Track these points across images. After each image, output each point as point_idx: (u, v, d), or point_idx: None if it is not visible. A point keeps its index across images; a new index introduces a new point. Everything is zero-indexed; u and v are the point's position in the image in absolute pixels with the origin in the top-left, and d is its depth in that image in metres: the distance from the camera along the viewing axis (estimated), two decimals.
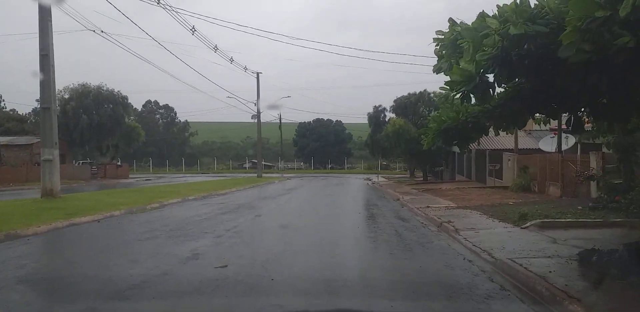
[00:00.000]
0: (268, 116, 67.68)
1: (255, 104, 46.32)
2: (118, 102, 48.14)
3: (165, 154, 76.95)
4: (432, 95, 40.31)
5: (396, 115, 39.89)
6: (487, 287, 5.80)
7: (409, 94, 40.81)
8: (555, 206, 13.60)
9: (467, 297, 5.39)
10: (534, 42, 5.64)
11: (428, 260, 7.59)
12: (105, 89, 47.98)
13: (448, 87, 6.73)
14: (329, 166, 71.54)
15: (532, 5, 5.53)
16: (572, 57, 5.17)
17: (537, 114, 8.42)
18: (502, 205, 15.37)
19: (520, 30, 5.01)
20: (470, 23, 6.32)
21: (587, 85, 6.08)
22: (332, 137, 74.23)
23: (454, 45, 7.21)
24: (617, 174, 15.11)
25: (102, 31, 21.94)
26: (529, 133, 32.51)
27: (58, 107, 46.91)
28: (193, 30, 29.55)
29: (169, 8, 29.78)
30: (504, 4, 5.72)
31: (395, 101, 41.05)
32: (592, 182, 16.58)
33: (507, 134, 9.95)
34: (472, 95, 6.69)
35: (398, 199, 19.57)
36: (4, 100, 58.19)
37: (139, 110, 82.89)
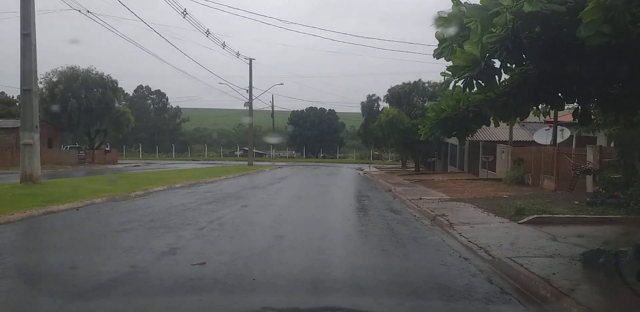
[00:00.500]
0: (261, 104, 67.01)
1: (247, 90, 45.55)
2: (108, 86, 47.15)
3: (156, 140, 75.99)
4: (426, 85, 39.85)
5: (390, 105, 39.32)
6: (487, 290, 5.35)
7: (403, 83, 40.19)
8: (552, 200, 13.21)
9: (465, 301, 4.94)
10: (548, 23, 5.13)
11: (422, 258, 7.14)
12: (94, 72, 46.99)
13: (450, 73, 6.22)
14: (321, 155, 71.03)
15: None
16: (589, 40, 4.67)
17: (539, 105, 7.92)
18: (496, 198, 14.98)
19: (536, 7, 4.48)
20: (475, 3, 5.81)
21: (603, 72, 5.60)
22: (325, 126, 73.56)
23: (457, 27, 6.68)
24: (614, 168, 14.73)
25: (88, 11, 21.06)
26: (523, 125, 32.05)
27: (46, 91, 46.13)
28: (184, 13, 28.77)
29: None
30: None
31: (389, 91, 40.42)
32: (588, 176, 16.25)
33: (507, 124, 9.43)
34: (475, 82, 6.21)
35: (390, 190, 19.13)
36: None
37: (130, 95, 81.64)
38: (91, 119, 46.19)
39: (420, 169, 39.21)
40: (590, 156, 16.31)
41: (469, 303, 4.87)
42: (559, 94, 6.67)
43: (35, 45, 16.26)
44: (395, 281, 5.68)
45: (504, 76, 6.78)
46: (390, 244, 8.00)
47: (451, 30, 6.87)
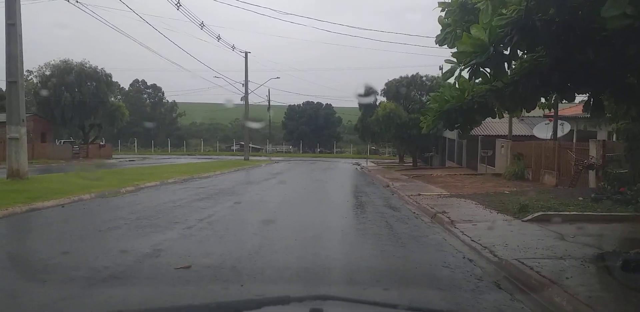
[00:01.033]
0: (257, 98, 66.22)
1: (243, 84, 44.94)
2: (102, 80, 46.45)
3: (152, 135, 75.31)
4: (424, 79, 39.32)
5: (387, 99, 38.79)
6: (496, 297, 4.91)
7: (400, 77, 39.61)
8: (554, 196, 12.75)
9: (474, 310, 4.48)
10: (563, 4, 4.67)
11: (424, 259, 6.67)
12: (88, 66, 46.26)
13: (455, 60, 5.74)
14: (318, 150, 70.50)
15: None
16: (612, 22, 4.21)
17: (548, 95, 7.46)
18: (497, 194, 14.54)
19: None
20: None
21: (620, 59, 5.14)
22: (322, 121, 72.99)
23: (462, 11, 6.21)
24: (618, 163, 14.33)
25: (77, 1, 20.44)
26: (522, 119, 31.58)
27: (39, 84, 45.47)
28: (178, 4, 28.11)
29: None
30: None
31: (386, 84, 39.85)
32: (590, 171, 15.83)
33: (514, 116, 8.95)
34: (482, 71, 5.74)
35: (388, 186, 18.68)
36: None
37: (126, 89, 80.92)
38: (85, 113, 45.54)
39: (418, 164, 38.77)
40: (593, 150, 15.88)
41: None
42: (571, 83, 6.22)
43: (20, 36, 15.69)
44: (396, 286, 5.22)
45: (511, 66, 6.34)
46: (390, 243, 7.54)
47: (455, 17, 6.42)
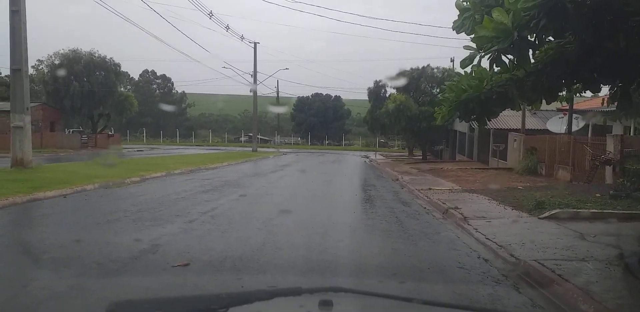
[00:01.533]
0: (266, 89, 65.72)
1: (252, 75, 44.53)
2: (110, 69, 46.25)
3: (162, 125, 75.27)
4: (435, 71, 38.68)
5: (397, 91, 38.22)
6: (516, 302, 4.54)
7: (411, 69, 38.95)
8: (570, 192, 12.30)
9: None
10: None
11: (437, 258, 6.30)
12: (97, 55, 46.04)
13: (474, 46, 5.33)
14: (327, 142, 70.08)
15: None
16: None
17: (574, 86, 7.01)
18: (510, 189, 14.13)
19: None
20: None
21: None
22: (331, 113, 72.45)
23: None
24: (637, 158, 13.84)
25: None
26: (534, 113, 30.98)
27: (48, 73, 45.35)
28: None
29: None
30: None
31: (396, 76, 39.29)
32: (607, 167, 15.34)
33: (532, 108, 8.47)
34: (504, 58, 5.32)
35: (397, 179, 18.29)
36: None
37: (136, 79, 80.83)
38: (94, 102, 45.38)
39: (428, 157, 38.29)
40: (611, 145, 15.36)
41: None
42: (599, 73, 5.78)
43: (25, 23, 15.40)
44: (408, 288, 4.87)
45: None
46: (400, 241, 7.18)
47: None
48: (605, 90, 7.37)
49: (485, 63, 5.46)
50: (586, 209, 9.62)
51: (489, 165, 26.23)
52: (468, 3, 5.93)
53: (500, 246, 6.90)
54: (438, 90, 37.21)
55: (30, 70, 45.83)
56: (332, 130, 72.06)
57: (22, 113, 15.64)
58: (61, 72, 43.53)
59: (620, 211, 9.41)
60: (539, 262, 5.77)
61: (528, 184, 15.54)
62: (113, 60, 46.65)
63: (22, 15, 15.31)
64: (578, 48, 5.20)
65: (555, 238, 7.38)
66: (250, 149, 44.06)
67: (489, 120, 6.91)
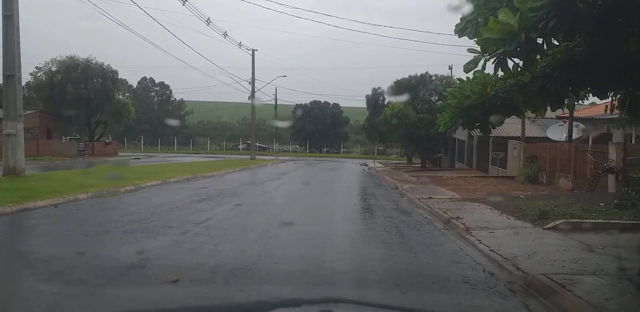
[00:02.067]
0: (264, 97, 65.45)
1: (250, 82, 44.35)
2: (108, 76, 46.04)
3: (160, 133, 75.01)
4: (433, 78, 38.54)
5: (396, 98, 38.06)
6: None
7: (409, 76, 38.83)
8: (574, 202, 12.01)
9: None
10: None
11: (440, 272, 6.00)
12: (94, 62, 45.87)
13: (479, 49, 5.09)
14: (325, 150, 69.83)
15: None
16: None
17: (580, 91, 6.75)
18: (512, 198, 13.83)
19: None
20: None
21: None
22: (329, 121, 72.32)
23: None
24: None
25: None
26: (534, 121, 30.84)
27: (45, 80, 45.07)
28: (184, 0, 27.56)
29: None
30: None
31: (395, 83, 39.15)
32: (610, 175, 15.08)
33: (536, 115, 8.14)
34: (508, 63, 5.08)
35: (396, 188, 18.00)
36: None
37: (134, 87, 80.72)
38: (91, 109, 45.12)
39: (427, 165, 38.04)
40: (613, 153, 15.13)
41: None
42: (609, 78, 5.53)
43: (18, 28, 15.16)
44: (411, 304, 4.57)
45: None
46: (402, 253, 6.89)
47: (478, 2, 5.76)
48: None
49: (490, 67, 5.23)
50: (591, 219, 9.34)
51: (489, 173, 25.98)
52: (473, 4, 5.69)
53: (505, 258, 6.61)
54: (437, 97, 37.10)
55: (28, 78, 45.77)
56: (331, 138, 71.89)
57: (15, 120, 15.36)
58: (57, 79, 43.30)
59: (627, 221, 9.12)
60: (547, 277, 5.49)
61: (529, 193, 15.27)
62: (110, 67, 46.51)
63: (15, 20, 15.08)
64: (587, 51, 4.96)
65: (562, 250, 7.09)
66: (249, 156, 43.77)
67: (493, 128, 6.66)
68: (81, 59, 45.49)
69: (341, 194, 16.71)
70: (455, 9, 6.17)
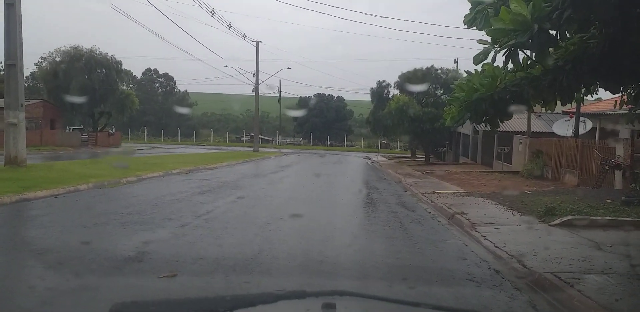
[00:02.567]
0: (268, 89, 65.03)
1: (254, 74, 44.11)
2: (112, 67, 45.77)
3: (163, 124, 74.94)
4: (439, 71, 38.28)
5: (400, 91, 37.81)
6: None
7: (415, 69, 38.58)
8: (580, 198, 11.86)
9: None
10: None
11: (445, 269, 5.86)
12: (98, 53, 45.61)
13: (489, 41, 4.91)
14: (329, 143, 69.60)
15: None
16: None
17: (593, 85, 6.56)
18: (517, 193, 13.66)
19: None
20: None
21: None
22: (333, 114, 72.00)
23: None
24: None
25: None
26: (539, 115, 30.56)
27: (50, 70, 44.88)
28: None
29: None
30: None
31: (400, 77, 38.84)
32: (617, 171, 14.89)
33: (546, 109, 7.93)
34: (519, 56, 4.90)
35: (400, 182, 17.86)
36: (1, 63, 56.10)
37: (139, 78, 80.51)
38: (94, 100, 44.96)
39: (431, 159, 37.84)
40: (620, 149, 14.93)
41: None
42: (624, 71, 5.34)
43: (20, 17, 15.01)
44: (415, 301, 4.44)
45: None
46: (405, 249, 6.76)
47: None
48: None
49: (499, 59, 5.05)
50: (599, 216, 9.18)
51: (493, 168, 25.78)
52: None
53: (511, 255, 6.47)
54: (442, 91, 36.83)
55: (33, 68, 45.62)
56: (334, 131, 71.61)
57: (17, 110, 15.25)
58: (61, 69, 43.13)
59: (635, 219, 8.96)
60: (554, 275, 5.35)
61: (535, 188, 15.10)
62: (114, 58, 46.21)
63: (18, 9, 14.92)
64: (603, 43, 4.77)
65: (569, 247, 6.95)
66: (252, 149, 43.62)
67: (502, 123, 6.48)
68: (85, 49, 45.24)
69: (344, 187, 16.58)
70: None
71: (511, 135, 25.25)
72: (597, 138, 20.56)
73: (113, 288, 4.49)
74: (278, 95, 62.05)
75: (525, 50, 4.86)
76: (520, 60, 5.24)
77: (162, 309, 1.61)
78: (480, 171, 23.36)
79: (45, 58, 46.33)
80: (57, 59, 45.24)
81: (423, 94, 37.18)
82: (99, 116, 48.91)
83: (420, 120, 33.49)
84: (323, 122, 70.46)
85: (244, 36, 39.66)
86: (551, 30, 4.54)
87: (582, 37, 5.00)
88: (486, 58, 4.93)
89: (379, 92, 41.57)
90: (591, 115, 22.55)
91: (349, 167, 28.49)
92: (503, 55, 4.82)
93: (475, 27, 5.90)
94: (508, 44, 4.61)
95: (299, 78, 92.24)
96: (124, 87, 50.47)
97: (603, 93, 7.48)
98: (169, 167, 19.50)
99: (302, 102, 71.76)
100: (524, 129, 25.47)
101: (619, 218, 8.95)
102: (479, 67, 6.17)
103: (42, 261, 5.32)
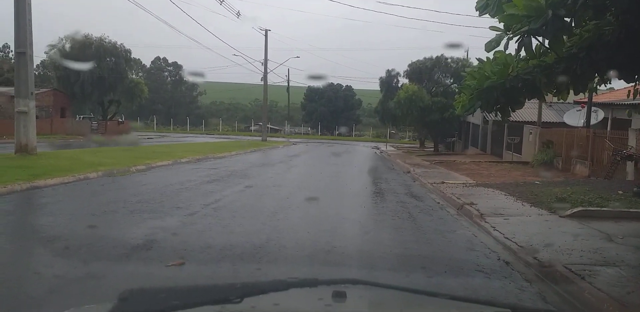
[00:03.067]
0: (277, 78, 64.87)
1: (262, 63, 43.96)
2: (121, 55, 45.82)
3: (173, 113, 75.11)
4: (449, 60, 37.85)
5: (410, 80, 37.47)
6: None
7: (424, 58, 38.17)
8: (591, 189, 11.72)
9: None
10: None
11: (454, 260, 5.82)
12: (107, 41, 45.60)
13: (502, 27, 4.81)
14: (337, 133, 69.42)
15: None
16: None
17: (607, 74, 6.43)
18: (527, 184, 13.54)
19: None
20: None
21: None
22: (341, 103, 71.70)
23: None
24: None
25: None
26: (550, 105, 30.22)
27: (60, 58, 44.93)
28: None
29: None
30: None
31: (409, 66, 38.48)
32: (629, 162, 14.72)
33: (559, 99, 7.81)
34: (533, 43, 4.79)
35: (409, 172, 17.78)
36: (11, 51, 56.22)
37: (148, 66, 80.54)
38: (104, 88, 45.07)
39: (440, 149, 37.67)
40: (633, 140, 14.74)
41: None
42: (638, 60, 5.22)
43: (30, 5, 14.99)
44: (425, 290, 4.40)
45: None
46: (413, 239, 6.71)
47: None
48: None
49: (512, 47, 4.95)
50: (610, 207, 9.08)
51: (503, 158, 25.62)
52: None
53: (521, 246, 6.41)
54: (452, 80, 36.49)
55: (43, 56, 45.69)
56: (343, 121, 71.31)
57: (27, 98, 15.27)
58: (71, 57, 43.14)
59: None
60: (565, 267, 5.28)
61: (545, 179, 14.97)
62: (124, 47, 46.23)
63: None
64: (619, 31, 4.66)
65: (580, 239, 6.87)
66: (260, 138, 43.63)
67: (513, 111, 6.39)
68: (95, 38, 45.25)
69: (352, 177, 16.54)
70: None
71: (521, 125, 25.03)
72: (609, 128, 20.33)
73: (121, 276, 4.50)
74: (287, 84, 61.79)
75: (538, 37, 4.76)
76: (533, 47, 5.15)
77: (171, 296, 1.59)
78: (489, 161, 23.21)
79: (55, 45, 46.26)
80: (67, 46, 45.19)
81: (433, 83, 36.89)
82: (108, 104, 49.07)
83: (429, 110, 33.28)
84: (331, 111, 70.21)
85: (253, 25, 39.41)
86: (565, 16, 4.44)
87: (597, 24, 4.89)
88: (498, 45, 4.85)
89: (388, 82, 41.28)
90: (603, 105, 22.27)
91: (357, 157, 28.43)
92: (516, 42, 4.73)
93: (487, 14, 5.80)
94: (521, 30, 4.52)
95: (308, 67, 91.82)
96: (133, 76, 50.56)
97: (615, 82, 7.36)
98: (178, 156, 19.55)
99: (309, 91, 71.48)
100: (534, 118, 25.21)
101: (631, 210, 8.84)
102: (490, 55, 6.09)
103: (50, 249, 5.34)
